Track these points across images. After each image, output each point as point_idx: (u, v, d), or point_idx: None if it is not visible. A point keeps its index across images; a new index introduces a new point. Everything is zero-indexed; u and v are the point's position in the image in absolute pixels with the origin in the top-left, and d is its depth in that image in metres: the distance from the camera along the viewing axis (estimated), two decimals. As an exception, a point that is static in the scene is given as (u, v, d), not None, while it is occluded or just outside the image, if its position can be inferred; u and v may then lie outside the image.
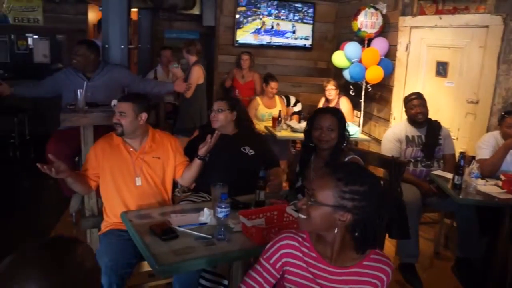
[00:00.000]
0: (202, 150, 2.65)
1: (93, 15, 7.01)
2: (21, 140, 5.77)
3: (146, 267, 2.40)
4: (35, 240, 1.04)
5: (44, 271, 0.96)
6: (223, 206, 2.04)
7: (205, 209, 2.27)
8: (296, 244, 1.57)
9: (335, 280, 1.53)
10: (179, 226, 2.14)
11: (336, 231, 1.49)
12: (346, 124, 2.68)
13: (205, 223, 2.21)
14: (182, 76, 4.75)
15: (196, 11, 7.01)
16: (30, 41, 6.65)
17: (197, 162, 2.67)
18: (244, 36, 6.57)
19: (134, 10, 7.64)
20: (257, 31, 6.61)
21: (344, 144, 2.62)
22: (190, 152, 2.83)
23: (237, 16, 6.46)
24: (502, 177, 3.16)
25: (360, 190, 1.44)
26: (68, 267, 1.00)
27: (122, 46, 4.02)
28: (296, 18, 6.66)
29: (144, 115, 2.54)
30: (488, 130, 3.90)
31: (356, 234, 1.48)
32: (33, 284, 0.94)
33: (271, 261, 1.57)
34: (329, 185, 1.45)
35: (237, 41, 6.56)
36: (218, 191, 2.32)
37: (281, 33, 6.69)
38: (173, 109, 5.97)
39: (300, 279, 1.55)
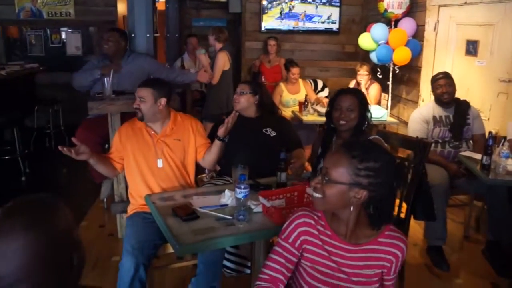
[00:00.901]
0: (221, 131, 2.68)
1: (122, 6, 7.13)
2: (56, 131, 5.96)
3: (171, 248, 2.46)
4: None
5: (30, 222, 1.02)
6: (242, 186, 2.07)
7: (226, 190, 2.30)
8: (312, 222, 1.57)
9: (350, 257, 1.54)
10: (200, 208, 2.18)
11: (351, 208, 1.49)
12: (369, 105, 2.66)
13: (226, 205, 2.24)
14: (208, 62, 4.79)
15: (222, -2, 7.03)
16: (63, 34, 6.87)
17: (217, 144, 2.70)
18: (270, 21, 6.55)
19: (161, 0, 7.73)
20: (284, 16, 6.57)
21: (365, 126, 2.60)
22: (213, 138, 2.87)
23: (264, 2, 6.43)
24: (533, 156, 3.06)
25: (375, 167, 1.43)
26: (53, 219, 1.06)
27: (148, 35, 4.10)
28: (324, 1, 6.58)
29: (163, 100, 2.58)
30: (521, 110, 3.77)
31: (371, 211, 1.48)
32: (18, 234, 0.99)
33: (290, 240, 1.57)
34: (343, 162, 1.45)
35: (263, 27, 6.54)
36: (239, 172, 2.34)
37: (308, 17, 6.63)
38: (200, 96, 6.04)
39: (316, 257, 1.56)
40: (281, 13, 6.55)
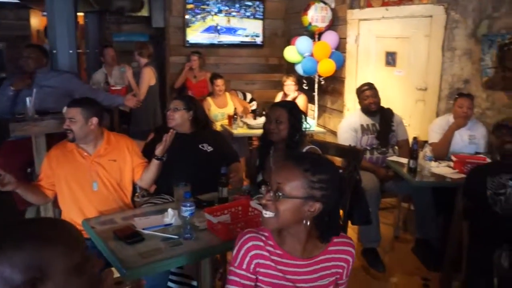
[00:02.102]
0: (159, 149, 2.62)
1: (35, 20, 6.76)
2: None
3: (114, 273, 2.34)
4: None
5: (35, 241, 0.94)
6: (188, 204, 2.02)
7: (169, 209, 2.24)
8: (261, 243, 1.51)
9: (304, 272, 1.52)
10: (143, 229, 2.11)
11: (304, 222, 1.47)
12: (301, 117, 2.73)
13: (170, 224, 2.18)
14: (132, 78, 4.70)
15: (144, 13, 6.89)
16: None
17: (155, 163, 2.64)
18: (195, 35, 6.52)
19: (80, 14, 7.42)
20: (208, 30, 6.58)
21: (297, 137, 2.66)
22: (148, 155, 2.79)
23: (187, 16, 6.40)
24: (453, 158, 3.31)
25: (327, 178, 1.44)
26: (60, 233, 0.99)
27: (71, 51, 3.92)
28: (247, 14, 6.67)
29: (94, 120, 2.47)
30: (437, 115, 4.06)
31: (321, 223, 1.48)
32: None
33: (244, 266, 1.51)
34: (297, 176, 1.42)
35: (187, 41, 6.51)
36: (181, 190, 2.30)
37: (232, 31, 6.68)
38: (127, 113, 5.84)
39: (271, 279, 1.52)
40: (206, 27, 6.55)
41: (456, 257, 3.18)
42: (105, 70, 5.85)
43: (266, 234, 1.53)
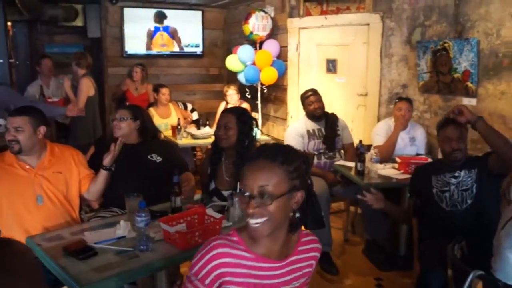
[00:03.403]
0: (107, 160, 2.51)
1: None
2: None
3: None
4: None
5: None
6: (143, 214, 1.95)
7: (121, 221, 2.14)
8: (228, 250, 1.40)
9: (278, 275, 1.46)
10: (95, 243, 1.99)
11: (291, 215, 1.42)
12: (251, 123, 2.72)
13: (123, 237, 2.08)
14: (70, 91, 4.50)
15: (79, 23, 6.61)
16: None
17: (103, 174, 2.52)
18: (134, 46, 6.36)
19: (8, 24, 7.00)
20: (147, 40, 6.45)
21: (246, 143, 2.65)
22: (93, 168, 2.66)
23: (125, 26, 6.23)
24: (397, 159, 3.42)
25: (299, 164, 1.41)
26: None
27: (1, 61, 3.67)
28: (186, 24, 6.62)
29: (42, 129, 2.34)
30: (378, 119, 4.21)
31: (305, 211, 1.45)
32: None
33: (206, 281, 1.38)
34: (277, 172, 1.35)
35: (126, 52, 6.34)
36: (134, 201, 2.21)
37: (171, 41, 6.60)
38: (64, 126, 5.55)
39: (242, 287, 1.41)
40: (145, 37, 6.42)
41: (406, 255, 3.31)
42: (40, 82, 5.54)
43: (234, 238, 1.44)
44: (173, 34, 6.62)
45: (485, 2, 3.32)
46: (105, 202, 2.81)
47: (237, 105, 5.46)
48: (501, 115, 3.28)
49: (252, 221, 1.35)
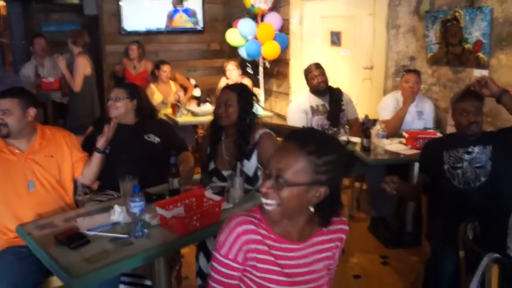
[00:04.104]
0: (101, 142, 2.41)
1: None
2: None
3: (56, 282, 2.12)
4: None
5: None
6: (137, 199, 1.84)
7: (116, 206, 2.04)
8: (253, 227, 1.36)
9: (297, 257, 1.39)
10: (88, 230, 1.90)
11: (309, 208, 1.36)
12: (252, 99, 2.59)
13: (118, 222, 1.99)
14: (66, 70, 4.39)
15: (74, 0, 6.46)
16: None
17: (97, 156, 2.42)
18: (132, 22, 6.19)
19: (1, 3, 6.85)
20: (146, 16, 6.28)
21: (247, 120, 2.52)
22: (88, 150, 2.55)
23: (122, 2, 6.05)
24: (405, 134, 3.30)
25: (333, 160, 1.29)
26: None
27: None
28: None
29: (32, 110, 2.22)
30: (384, 93, 4.06)
31: (324, 206, 1.35)
32: None
33: (231, 256, 1.35)
34: (300, 161, 1.27)
35: (124, 28, 6.17)
36: (128, 184, 2.10)
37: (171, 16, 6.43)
38: (62, 106, 5.45)
39: (263, 264, 1.37)
40: (144, 12, 6.24)
41: (413, 232, 3.22)
42: (35, 62, 5.42)
43: (257, 215, 1.38)
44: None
45: (498, -34, 3.14)
46: (101, 185, 2.73)
47: (238, 81, 5.33)
48: (514, 86, 3.13)
49: (264, 200, 1.32)
